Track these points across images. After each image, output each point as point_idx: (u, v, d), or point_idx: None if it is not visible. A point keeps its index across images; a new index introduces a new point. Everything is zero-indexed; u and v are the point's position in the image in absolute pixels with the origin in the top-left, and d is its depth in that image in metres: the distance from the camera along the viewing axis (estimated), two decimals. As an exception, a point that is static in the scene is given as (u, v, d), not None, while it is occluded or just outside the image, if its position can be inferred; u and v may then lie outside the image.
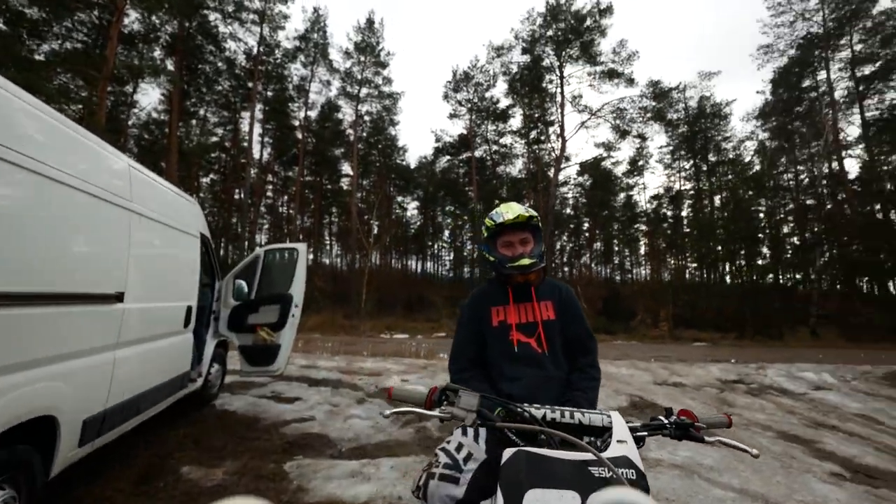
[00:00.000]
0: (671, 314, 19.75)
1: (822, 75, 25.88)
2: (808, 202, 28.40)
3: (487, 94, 30.17)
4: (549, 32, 24.64)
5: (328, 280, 27.53)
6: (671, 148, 33.22)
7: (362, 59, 27.07)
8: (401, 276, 36.53)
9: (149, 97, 56.05)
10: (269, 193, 34.81)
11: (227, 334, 5.08)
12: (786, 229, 26.48)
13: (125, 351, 2.90)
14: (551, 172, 32.42)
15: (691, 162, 33.08)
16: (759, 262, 23.94)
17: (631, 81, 23.76)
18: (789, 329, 20.32)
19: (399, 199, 39.70)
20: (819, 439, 5.20)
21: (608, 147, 29.96)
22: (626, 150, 43.50)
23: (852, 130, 26.57)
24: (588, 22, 23.62)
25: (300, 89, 28.04)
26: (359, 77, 27.30)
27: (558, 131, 25.31)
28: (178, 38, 20.63)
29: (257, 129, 28.13)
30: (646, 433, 1.20)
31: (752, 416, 6.18)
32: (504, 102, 29.83)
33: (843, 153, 25.33)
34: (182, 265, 3.98)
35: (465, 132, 31.41)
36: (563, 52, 24.54)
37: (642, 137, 27.84)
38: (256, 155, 29.37)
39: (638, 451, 1.01)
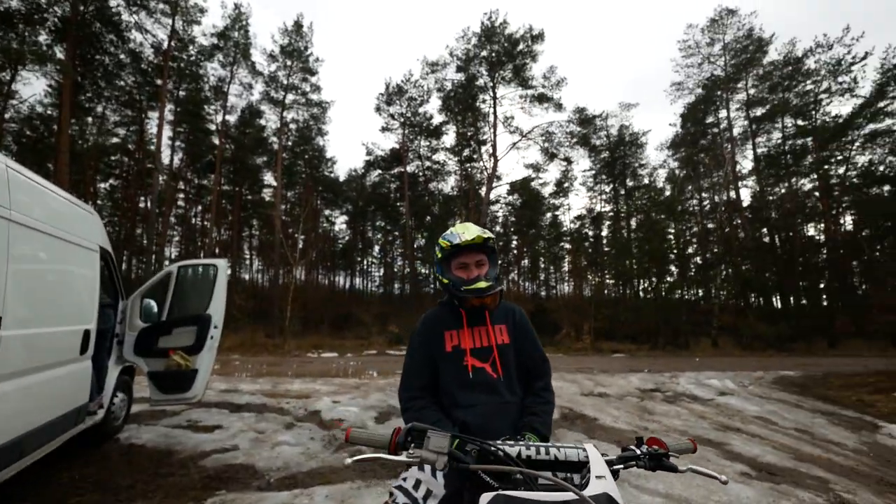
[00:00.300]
0: (592, 328, 20.48)
1: (723, 113, 29.13)
2: (710, 226, 31.38)
3: (421, 110, 30.31)
4: (484, 53, 25.35)
5: (248, 297, 25.57)
6: (594, 172, 35.36)
7: (289, 63, 25.91)
8: (328, 292, 34.90)
9: (32, 87, 49.54)
10: (181, 203, 31.97)
11: (133, 360, 4.59)
12: (690, 250, 28.92)
13: (3, 385, 2.52)
14: (482, 190, 33.09)
15: (611, 186, 35.45)
16: (669, 279, 25.80)
17: (559, 106, 25.00)
18: (694, 340, 21.93)
19: (327, 212, 38.34)
20: (727, 441, 5.31)
21: (536, 168, 31.22)
22: (553, 171, 45.70)
23: (746, 164, 30.01)
24: (521, 46, 24.61)
25: (218, 91, 26.02)
26: (285, 82, 26.05)
27: (490, 150, 25.91)
28: (70, 21, 18.24)
29: (167, 132, 25.74)
30: (621, 466, 1.15)
31: (671, 422, 6.23)
32: (438, 119, 30.13)
33: (739, 183, 28.45)
34: (77, 283, 3.48)
35: (397, 146, 31.18)
36: (497, 74, 25.31)
37: (568, 161, 29.32)
38: (166, 160, 26.84)
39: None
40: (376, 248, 41.59)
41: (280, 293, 22.56)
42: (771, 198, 28.82)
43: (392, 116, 30.09)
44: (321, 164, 33.36)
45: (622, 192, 35.12)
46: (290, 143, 29.54)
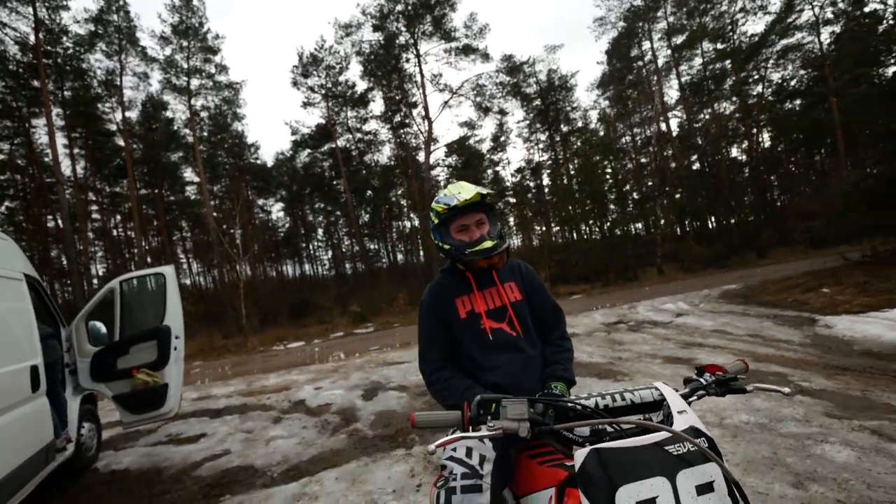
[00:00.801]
0: (548, 275, 21.12)
1: (646, 45, 29.59)
2: (643, 160, 32.82)
3: (342, 78, 28.69)
4: (399, 7, 24.04)
5: (195, 301, 23.99)
6: (528, 122, 35.50)
7: (185, 44, 23.36)
8: (278, 283, 33.56)
9: None
10: (96, 215, 28.96)
11: (92, 387, 4.38)
12: (627, 186, 30.08)
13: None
14: (421, 156, 32.45)
15: (547, 133, 35.81)
16: (612, 217, 26.89)
17: (486, 57, 24.49)
18: (642, 271, 23.29)
19: (260, 201, 36.30)
20: (694, 356, 5.63)
21: (471, 126, 30.88)
22: (488, 127, 45.54)
23: (673, 94, 31.03)
24: (437, -6, 23.51)
25: (109, 85, 22.97)
26: (185, 66, 23.59)
27: (423, 113, 25.15)
28: None
29: (61, 139, 22.79)
30: (695, 398, 1.14)
31: (640, 348, 6.52)
32: (361, 86, 28.69)
33: (669, 114, 29.56)
34: (9, 318, 3.23)
35: (323, 122, 29.56)
36: (417, 29, 24.23)
37: (503, 113, 29.17)
38: (67, 171, 23.90)
39: None
40: (320, 231, 40.18)
41: (229, 292, 21.37)
42: (697, 125, 30.25)
43: (312, 90, 28.32)
44: (244, 152, 31.17)
45: (558, 138, 35.67)
46: (205, 134, 27.22)
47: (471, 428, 1.07)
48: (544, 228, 39.02)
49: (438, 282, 1.69)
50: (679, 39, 27.96)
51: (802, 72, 25.99)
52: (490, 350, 1.54)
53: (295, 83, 28.00)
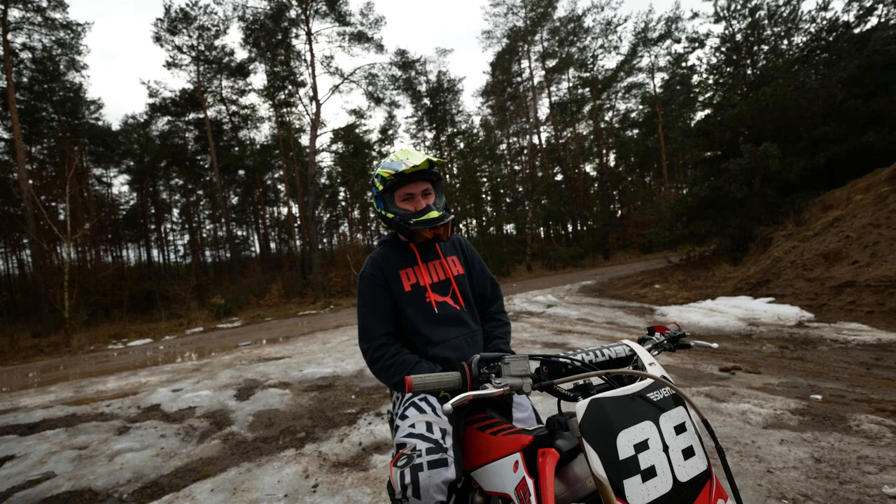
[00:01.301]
0: (431, 269, 21.74)
1: (525, 63, 32.28)
2: (517, 168, 35.72)
3: (218, 43, 25.54)
4: (291, -22, 22.25)
5: (-6, 290, 19.10)
6: (416, 119, 35.92)
7: (4, -38, 18.48)
8: (117, 271, 28.57)
9: None
10: None
11: None
12: (502, 190, 32.49)
13: None
14: (303, 139, 30.60)
15: (433, 132, 36.74)
16: (488, 217, 28.81)
17: (381, 48, 23.99)
18: (513, 267, 25.38)
19: (98, 171, 30.52)
20: (567, 342, 6.32)
21: (360, 114, 30.07)
22: (376, 118, 44.97)
23: (544, 110, 34.40)
24: (333, -25, 22.33)
25: None
26: (1, -10, 18.64)
27: (311, 94, 23.67)
28: None
29: None
30: (656, 352, 1.24)
31: (520, 336, 7.10)
32: (242, 55, 25.95)
33: (541, 128, 32.64)
34: None
35: (191, 87, 25.99)
36: (309, 6, 22.68)
37: (394, 105, 28.98)
38: None
39: None
40: (175, 211, 35.26)
41: (49, 279, 17.48)
42: (562, 140, 34.13)
43: (179, 49, 24.66)
44: (80, 109, 25.81)
45: (443, 138, 36.89)
46: (25, 80, 21.85)
47: (474, 387, 1.06)
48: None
49: (381, 253, 1.61)
50: (551, 63, 31.15)
51: (641, 106, 31.66)
52: (436, 324, 1.51)
53: (158, 39, 24.02)
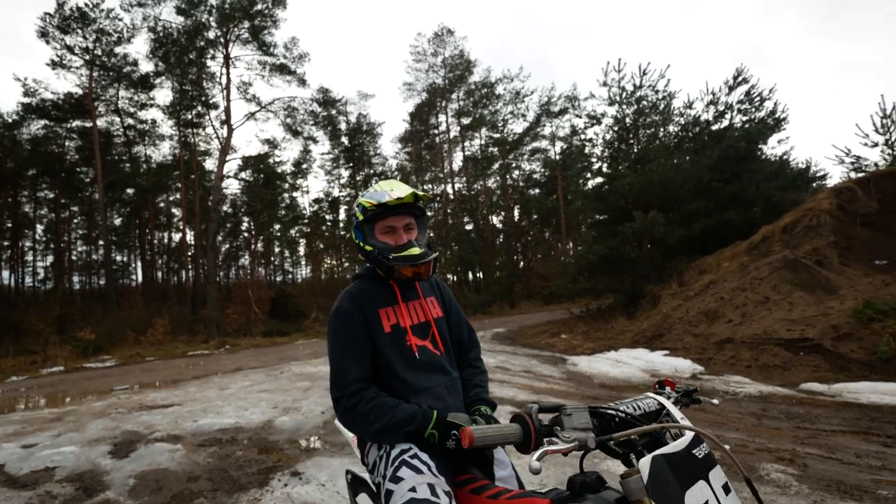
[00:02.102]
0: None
1: (442, 118, 34.15)
2: (428, 213, 36.67)
3: (119, 50, 23.27)
4: (213, 1, 21.37)
5: None
6: (333, 156, 35.68)
7: None
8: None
9: None
10: None
11: None
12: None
13: None
14: (209, 163, 28.52)
15: (350, 171, 36.68)
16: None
17: (303, 82, 23.71)
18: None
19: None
20: (490, 391, 6.33)
21: (275, 145, 29.05)
22: (291, 150, 43.82)
23: (458, 163, 36.31)
24: (260, 6, 21.92)
25: None
26: None
27: (223, 118, 22.33)
28: None
29: None
30: (678, 407, 1.20)
31: (444, 384, 6.97)
32: (147, 67, 23.80)
33: (455, 179, 34.24)
34: None
35: (81, 92, 23.09)
36: (230, 30, 21.85)
37: (314, 140, 28.52)
38: None
39: None
40: (39, 228, 30.06)
41: None
42: (473, 192, 36.13)
43: (70, 49, 21.95)
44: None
45: (360, 178, 36.96)
46: None
47: (539, 442, 0.97)
48: (335, 263, 38.97)
49: (359, 288, 1.48)
50: (466, 121, 33.47)
51: (543, 169, 35.21)
52: (416, 370, 1.41)
53: (45, 34, 21.18)
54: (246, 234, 36.62)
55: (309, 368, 8.87)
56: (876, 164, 11.96)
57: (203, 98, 23.51)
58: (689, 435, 0.94)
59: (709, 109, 16.00)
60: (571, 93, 30.82)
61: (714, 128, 15.81)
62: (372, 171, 36.99)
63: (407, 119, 36.17)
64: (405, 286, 1.50)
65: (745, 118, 15.51)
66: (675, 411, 1.10)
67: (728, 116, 15.67)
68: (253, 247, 35.87)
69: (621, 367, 7.14)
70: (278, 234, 37.44)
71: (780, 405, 4.80)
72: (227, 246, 35.84)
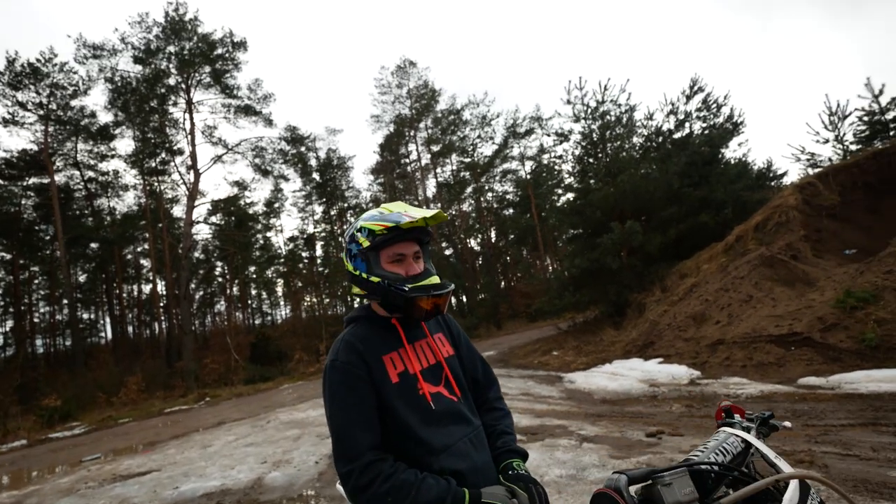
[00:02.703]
0: (326, 347, 20.20)
1: (412, 146, 34.53)
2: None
3: (76, 103, 22.78)
4: (172, 48, 21.27)
5: None
6: (305, 193, 35.45)
7: None
8: None
9: None
10: None
11: None
12: None
13: None
14: (175, 209, 27.86)
15: (323, 206, 36.45)
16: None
17: (269, 122, 23.63)
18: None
19: None
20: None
21: (244, 186, 28.70)
22: (262, 191, 43.48)
23: (431, 189, 36.60)
24: (220, 50, 21.93)
25: None
26: None
27: (189, 163, 21.93)
28: None
29: None
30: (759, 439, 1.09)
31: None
32: (106, 117, 23.31)
33: (429, 205, 34.33)
34: None
35: (36, 148, 22.37)
36: (191, 76, 21.72)
37: (283, 178, 28.31)
38: None
39: None
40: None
41: None
42: (449, 217, 36.32)
43: (22, 106, 21.38)
44: None
45: (334, 212, 36.72)
46: None
47: None
48: (316, 300, 38.17)
49: (356, 334, 1.25)
50: (436, 148, 33.93)
51: (515, 189, 35.81)
52: (434, 424, 1.19)
53: (-8, 91, 20.61)
54: (220, 279, 35.71)
55: (297, 414, 8.42)
56: (830, 159, 12.55)
57: (167, 145, 23.10)
58: (794, 483, 0.84)
59: (669, 119, 16.61)
60: (535, 113, 31.73)
61: (676, 136, 16.38)
62: (346, 205, 36.99)
63: (377, 150, 36.52)
64: (409, 325, 1.29)
65: (704, 125, 16.15)
66: (767, 450, 0.98)
67: (688, 124, 16.29)
68: (228, 291, 34.88)
69: (619, 380, 7.02)
70: (254, 275, 36.64)
71: (783, 403, 4.74)
72: (202, 293, 34.92)
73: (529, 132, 32.62)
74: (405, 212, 1.21)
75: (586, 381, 7.56)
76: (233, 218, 28.53)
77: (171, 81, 21.62)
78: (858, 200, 10.26)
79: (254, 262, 33.82)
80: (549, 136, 17.03)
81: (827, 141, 12.70)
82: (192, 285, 29.38)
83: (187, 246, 20.43)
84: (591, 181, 14.97)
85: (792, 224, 9.84)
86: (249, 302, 40.00)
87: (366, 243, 1.22)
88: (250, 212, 30.46)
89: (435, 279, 1.23)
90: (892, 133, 11.72)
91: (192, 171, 21.46)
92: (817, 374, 5.37)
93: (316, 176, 34.83)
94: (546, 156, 25.61)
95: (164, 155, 23.66)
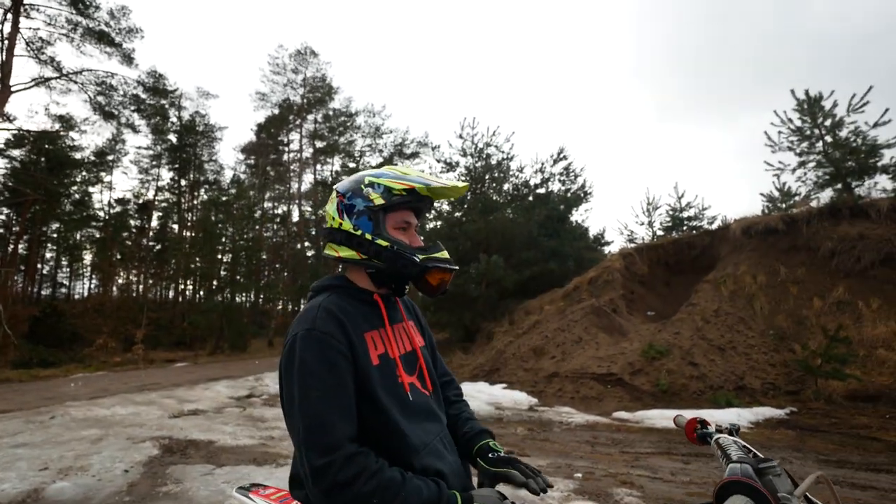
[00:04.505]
0: (143, 336, 17.07)
1: (294, 136, 32.38)
2: (266, 234, 33.72)
3: None
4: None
5: None
6: (153, 153, 30.43)
7: None
8: None
9: None
10: None
11: None
12: (243, 253, 29.64)
13: None
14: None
15: (172, 173, 31.65)
16: (224, 282, 25.43)
17: (130, 60, 19.74)
18: (250, 341, 22.73)
19: None
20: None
21: (71, 125, 23.36)
22: (95, 136, 36.01)
23: (306, 185, 34.52)
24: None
25: None
26: None
27: (-3, 75, 16.93)
28: None
29: None
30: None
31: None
32: None
33: (302, 200, 32.41)
34: None
35: None
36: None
37: (133, 129, 23.81)
38: None
39: None
40: None
41: None
42: (318, 217, 34.64)
43: None
44: None
45: (184, 183, 32.10)
46: None
47: None
48: (135, 278, 32.40)
49: (333, 303, 1.05)
50: (320, 144, 32.57)
51: None
52: (413, 418, 1.05)
53: None
54: (1, 230, 27.64)
55: (100, 411, 6.92)
56: (643, 238, 15.62)
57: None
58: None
59: (537, 175, 18.79)
60: (423, 139, 32.67)
61: (539, 191, 18.57)
62: (202, 178, 32.76)
63: (255, 129, 33.40)
64: (389, 305, 1.16)
65: (563, 187, 18.66)
66: (757, 453, 1.03)
67: (550, 184, 18.64)
68: (11, 247, 27.06)
69: (471, 402, 7.44)
70: (55, 233, 29.57)
71: (604, 432, 5.61)
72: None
73: (414, 155, 33.32)
74: (430, 175, 1.12)
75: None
76: (43, 159, 22.85)
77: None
78: (660, 274, 12.93)
79: (61, 218, 27.36)
80: (438, 162, 17.67)
81: (643, 223, 15.83)
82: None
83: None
84: (465, 217, 15.93)
85: (615, 283, 11.87)
86: (40, 266, 31.83)
87: (379, 201, 1.08)
88: (75, 157, 24.80)
89: (446, 254, 1.12)
90: (684, 228, 15.02)
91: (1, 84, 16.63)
92: (627, 409, 6.51)
93: (172, 137, 30.19)
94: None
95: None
